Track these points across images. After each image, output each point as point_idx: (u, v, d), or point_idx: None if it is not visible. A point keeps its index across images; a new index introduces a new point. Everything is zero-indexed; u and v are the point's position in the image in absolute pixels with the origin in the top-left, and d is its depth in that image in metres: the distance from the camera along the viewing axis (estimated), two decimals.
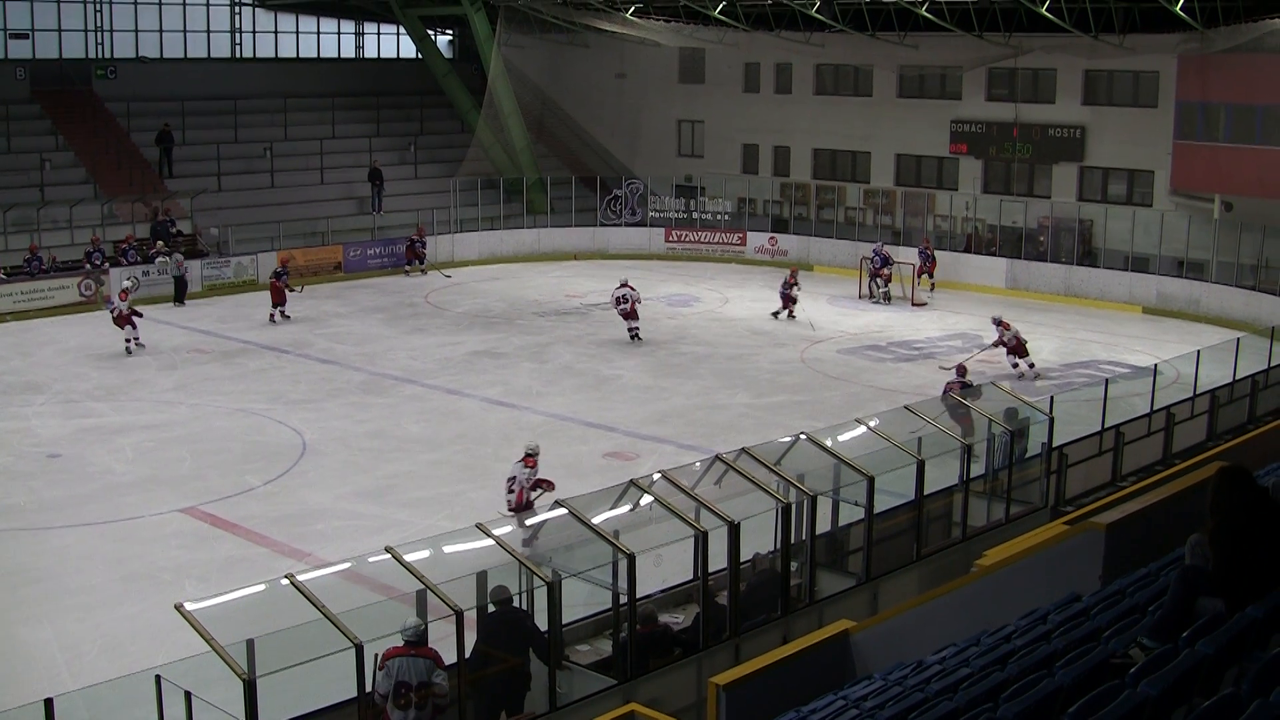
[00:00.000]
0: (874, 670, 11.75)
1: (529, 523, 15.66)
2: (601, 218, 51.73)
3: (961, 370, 26.81)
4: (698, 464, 17.36)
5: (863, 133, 50.28)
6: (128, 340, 34.25)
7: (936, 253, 44.13)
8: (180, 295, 41.58)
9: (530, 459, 20.79)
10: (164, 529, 21.93)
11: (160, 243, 43.37)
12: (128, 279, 37.05)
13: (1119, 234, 43.01)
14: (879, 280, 41.88)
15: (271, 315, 38.14)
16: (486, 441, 26.62)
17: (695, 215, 51.55)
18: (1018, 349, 32.36)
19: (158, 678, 12.09)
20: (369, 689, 12.52)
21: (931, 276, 42.74)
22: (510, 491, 20.54)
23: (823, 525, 17.01)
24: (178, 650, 12.47)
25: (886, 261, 41.87)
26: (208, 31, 56.34)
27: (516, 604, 14.11)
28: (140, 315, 34.67)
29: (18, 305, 39.08)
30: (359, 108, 55.23)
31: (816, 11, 43.79)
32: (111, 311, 34.58)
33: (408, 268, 46.36)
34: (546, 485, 20.60)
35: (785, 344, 35.30)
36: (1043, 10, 39.24)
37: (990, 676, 8.56)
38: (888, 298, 41.44)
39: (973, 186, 47.46)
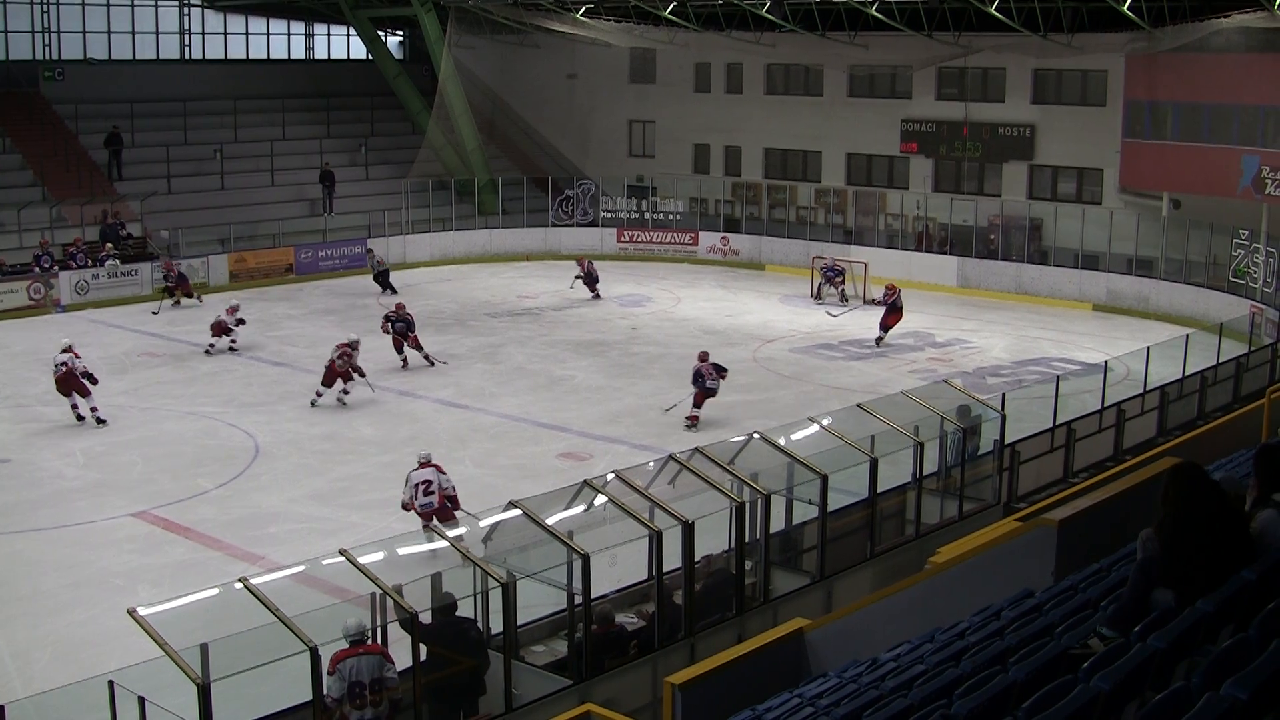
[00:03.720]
0: (829, 668, 11.78)
1: (483, 524, 15.62)
2: (553, 218, 51.76)
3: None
4: (651, 464, 17.40)
5: (814, 132, 50.43)
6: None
7: (887, 251, 44.44)
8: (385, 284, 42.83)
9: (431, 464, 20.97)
10: (115, 534, 21.81)
11: (109, 245, 43.11)
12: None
13: (1069, 232, 43.28)
14: (833, 289, 41.84)
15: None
16: (439, 443, 26.51)
17: (647, 215, 51.61)
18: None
19: (111, 683, 12.02)
20: (325, 691, 12.48)
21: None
22: (428, 494, 20.51)
23: (776, 524, 17.07)
24: (131, 655, 12.41)
25: (839, 273, 41.92)
26: (156, 33, 56.02)
27: (473, 604, 14.10)
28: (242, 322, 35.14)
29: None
30: (309, 109, 55.06)
31: (767, 11, 43.88)
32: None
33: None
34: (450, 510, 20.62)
35: (738, 343, 35.39)
36: (992, 10, 39.48)
37: (944, 673, 8.60)
38: (844, 298, 41.47)
39: (923, 185, 47.68)
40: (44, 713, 12.92)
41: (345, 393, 29.46)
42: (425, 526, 18.33)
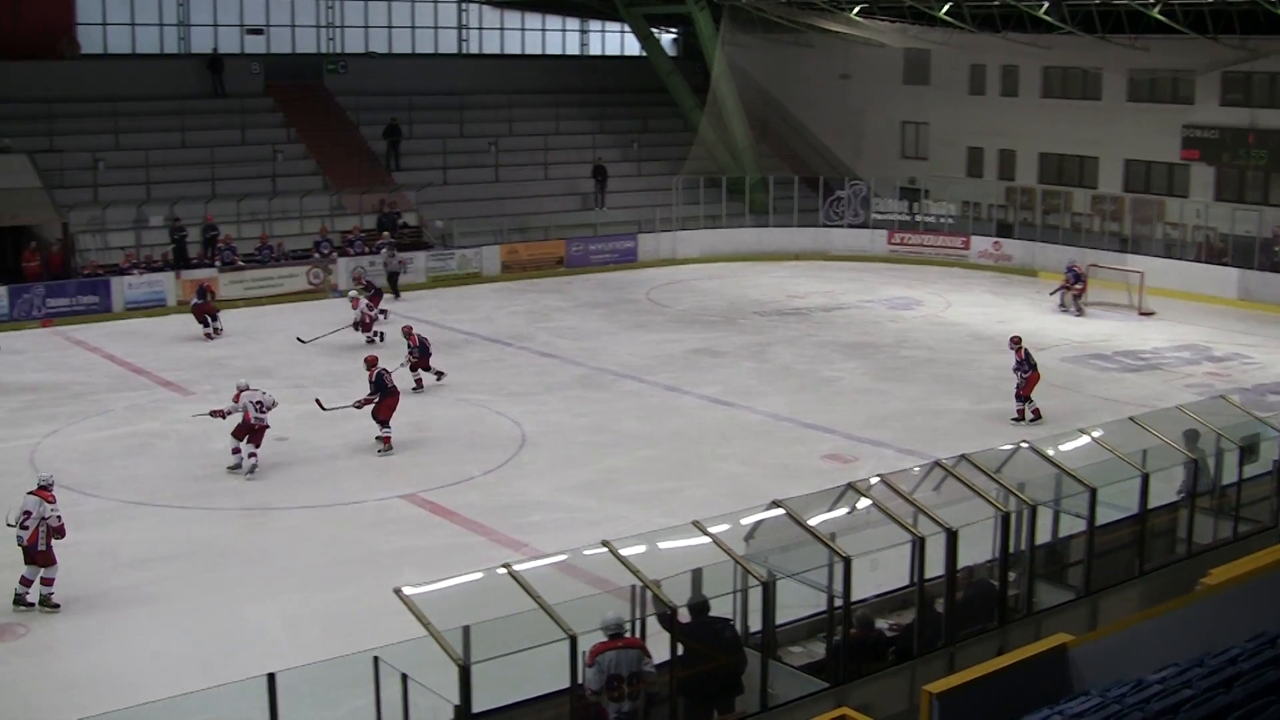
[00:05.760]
0: (1091, 687, 11.50)
1: (744, 522, 15.57)
2: (824, 219, 51.47)
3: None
4: (916, 469, 17.18)
5: (1091, 137, 49.23)
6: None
7: (1164, 261, 43.20)
8: (394, 287, 41.84)
9: (46, 491, 19.25)
10: (385, 514, 22.38)
11: (386, 233, 44.27)
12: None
13: None
14: (1071, 294, 40.65)
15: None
16: (704, 439, 26.66)
17: (918, 218, 50.98)
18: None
19: (375, 659, 12.31)
20: (581, 681, 12.61)
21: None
22: (25, 528, 18.76)
23: (1042, 536, 16.71)
24: (395, 633, 12.67)
25: (1079, 278, 40.73)
26: (435, 28, 57.52)
27: (732, 602, 14.11)
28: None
29: (249, 292, 40.20)
30: (583, 104, 55.75)
31: (1044, 13, 43.03)
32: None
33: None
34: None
35: (1007, 351, 34.67)
36: None
37: (1214, 699, 8.34)
38: (1079, 310, 40.30)
39: (1204, 194, 46.20)
40: (311, 683, 13.24)
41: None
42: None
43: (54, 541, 18.78)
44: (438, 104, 52.46)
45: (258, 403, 24.48)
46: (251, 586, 19.40)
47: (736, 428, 27.64)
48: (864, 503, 15.19)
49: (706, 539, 14.03)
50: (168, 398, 29.79)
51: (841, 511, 15.21)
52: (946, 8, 45.50)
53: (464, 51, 58.55)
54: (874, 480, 15.84)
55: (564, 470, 24.79)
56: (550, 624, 12.25)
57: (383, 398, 25.83)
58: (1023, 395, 28.35)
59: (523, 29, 60.67)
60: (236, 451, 24.58)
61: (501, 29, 59.95)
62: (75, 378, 31.70)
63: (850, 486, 15.49)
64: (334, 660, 13.42)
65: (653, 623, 13.51)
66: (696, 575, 13.94)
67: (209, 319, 36.17)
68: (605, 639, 12.77)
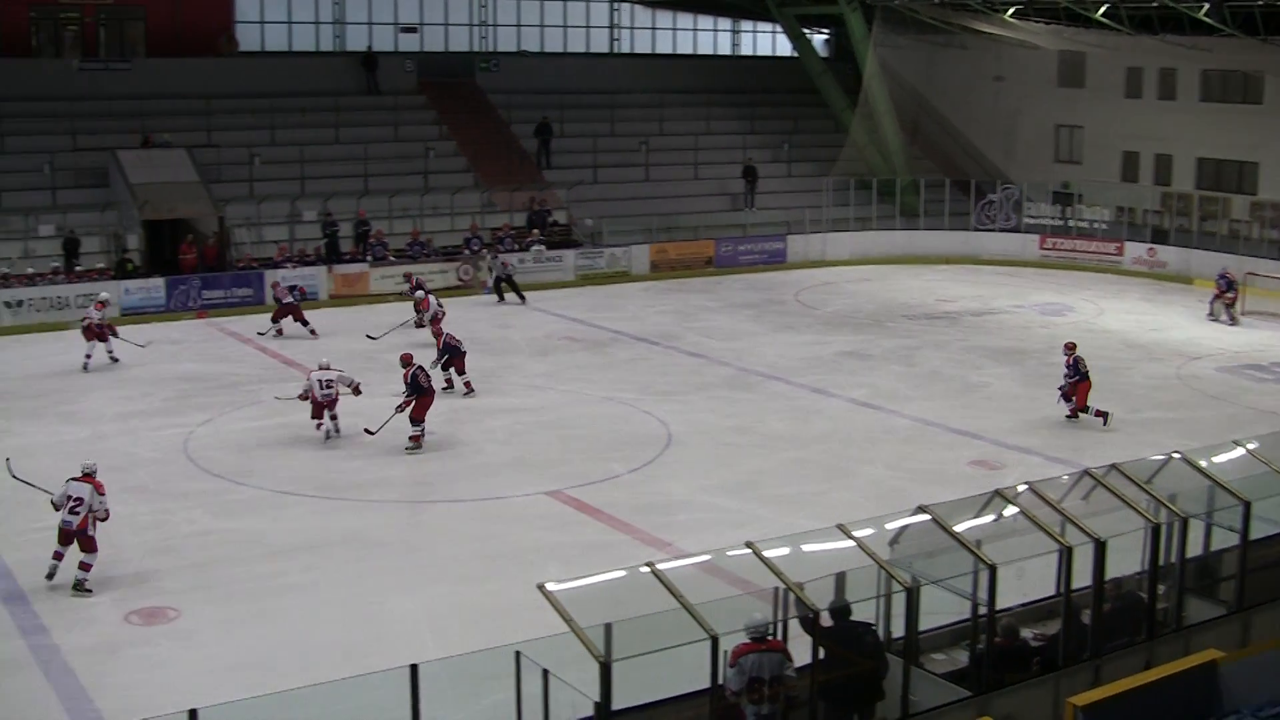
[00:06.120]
0: (1242, 705, 11.28)
1: (889, 526, 15.45)
2: (975, 222, 50.93)
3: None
4: (1065, 477, 16.96)
5: (1251, 142, 48.15)
6: (88, 356, 32.31)
7: None
8: (506, 291, 41.16)
9: (95, 480, 19.52)
10: (530, 510, 22.50)
11: (535, 231, 44.58)
12: (105, 294, 35.06)
13: None
14: (1222, 302, 39.69)
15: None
16: (851, 443, 26.50)
17: (1071, 223, 50.26)
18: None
19: (517, 654, 12.37)
20: (721, 682, 12.58)
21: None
22: (74, 513, 19.06)
23: (1193, 549, 16.39)
24: (537, 629, 12.73)
25: (1231, 285, 39.76)
26: (587, 27, 57.86)
27: (875, 607, 14.01)
28: (115, 334, 33.05)
29: (400, 287, 40.63)
30: (734, 104, 55.66)
31: (1204, 14, 42.20)
32: (83, 322, 33.00)
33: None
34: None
35: (1160, 359, 34.18)
36: None
37: None
38: (1234, 320, 39.36)
39: None
40: (453, 675, 13.34)
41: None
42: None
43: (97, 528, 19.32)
44: (589, 103, 52.71)
45: (322, 380, 26.15)
46: (396, 578, 19.61)
47: (884, 431, 27.44)
48: (1011, 510, 14.98)
49: (850, 543, 13.93)
50: None
51: (988, 519, 15.02)
52: (1103, 9, 44.78)
53: (615, 51, 58.81)
54: (1021, 488, 15.62)
55: (709, 470, 24.76)
56: (692, 624, 12.23)
57: (418, 397, 25.85)
58: (1067, 395, 28.19)
59: (674, 29, 60.83)
60: (320, 426, 26.26)
61: (653, 29, 60.13)
62: (228, 369, 32.30)
63: (997, 493, 15.29)
64: (476, 653, 13.52)
65: (794, 625, 13.45)
66: (840, 579, 13.85)
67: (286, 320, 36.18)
68: (748, 640, 12.73)
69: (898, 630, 14.12)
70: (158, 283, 38.77)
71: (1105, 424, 27.66)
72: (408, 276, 38.83)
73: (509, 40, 56.38)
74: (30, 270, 38.49)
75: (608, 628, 12.05)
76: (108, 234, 41.20)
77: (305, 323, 35.93)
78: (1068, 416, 28.16)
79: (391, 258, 42.15)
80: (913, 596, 13.70)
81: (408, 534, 21.58)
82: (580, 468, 24.68)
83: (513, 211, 46.14)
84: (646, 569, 12.97)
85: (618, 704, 12.09)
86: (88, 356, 32.10)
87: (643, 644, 12.03)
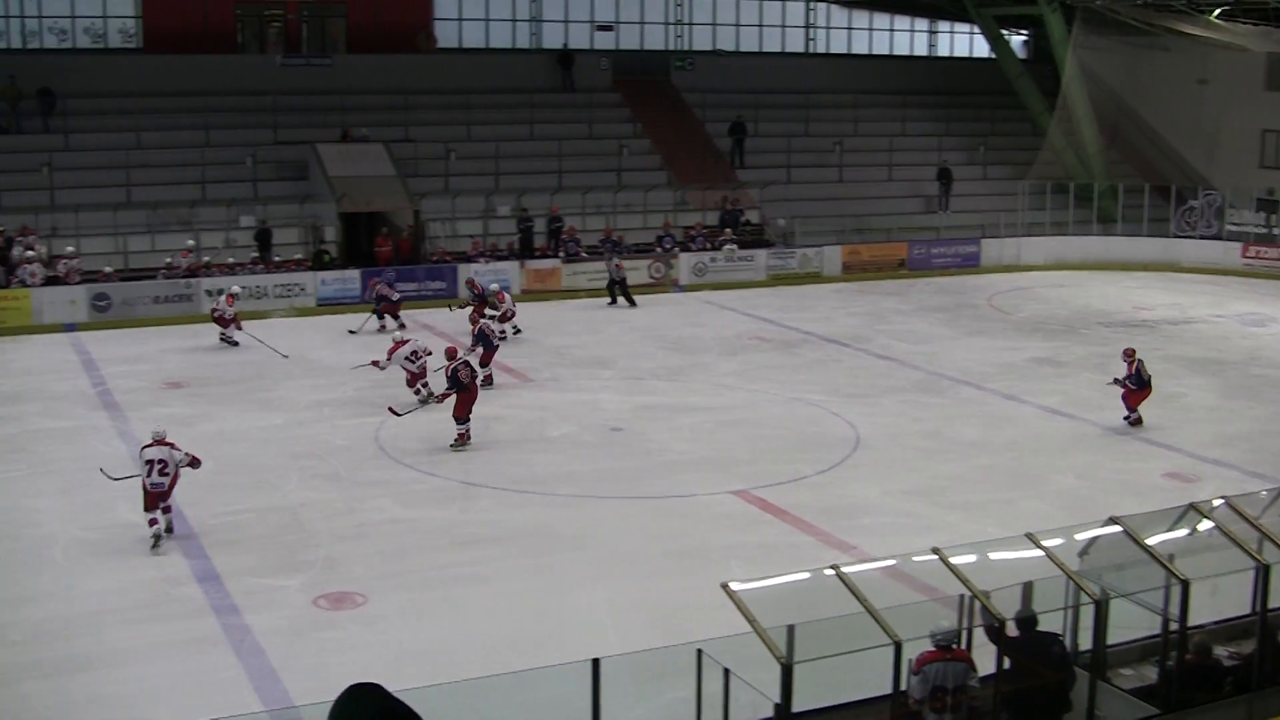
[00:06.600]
0: None
1: (1078, 537, 15.13)
2: (1175, 229, 49.76)
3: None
4: (1264, 493, 16.44)
5: None
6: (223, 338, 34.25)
7: None
8: (622, 296, 40.46)
9: (166, 441, 20.79)
10: (715, 509, 22.42)
11: (728, 230, 44.55)
12: (237, 287, 35.98)
13: None
14: None
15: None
16: (1041, 450, 26.00)
17: (1276, 231, 48.87)
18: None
19: (699, 652, 12.33)
20: (903, 688, 12.42)
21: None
22: (163, 474, 20.28)
23: None
24: (719, 627, 12.67)
25: None
26: (783, 26, 57.72)
27: (1062, 618, 13.72)
28: (240, 327, 34.10)
29: (592, 283, 40.85)
30: (929, 105, 55.07)
31: None
32: (214, 313, 34.55)
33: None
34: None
35: None
36: None
37: None
38: None
39: None
40: (634, 670, 13.35)
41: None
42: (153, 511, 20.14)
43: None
44: (783, 102, 52.50)
45: (409, 354, 28.05)
46: (580, 572, 19.66)
47: (1075, 440, 26.90)
48: (1206, 524, 14.57)
49: (1039, 552, 13.64)
50: (507, 383, 30.45)
51: (1181, 532, 14.62)
52: None
53: (811, 51, 58.55)
54: (1217, 502, 15.18)
55: (896, 474, 24.47)
56: (875, 628, 12.08)
57: (458, 394, 25.63)
58: (1130, 405, 27.52)
59: (870, 29, 60.42)
60: (417, 395, 27.88)
61: (849, 29, 59.78)
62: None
63: (1192, 507, 14.87)
64: (657, 650, 13.50)
65: (978, 634, 13.23)
66: (1026, 589, 13.58)
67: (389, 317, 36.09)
68: (932, 648, 12.55)
69: (1085, 643, 13.82)
70: (353, 274, 39.46)
71: (1135, 425, 27.45)
72: (470, 283, 36.98)
73: (704, 39, 56.45)
74: (230, 260, 39.47)
75: (790, 629, 11.94)
76: (305, 226, 42.05)
77: (400, 320, 35.60)
78: (1130, 421, 27.56)
79: (584, 254, 42.43)
80: (1101, 609, 13.40)
81: (592, 529, 21.62)
82: (767, 468, 24.53)
83: (705, 210, 46.17)
84: (831, 571, 12.84)
85: (798, 706, 11.98)
86: (223, 339, 34.07)
87: (825, 647, 11.92)
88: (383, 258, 40.84)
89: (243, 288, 36.48)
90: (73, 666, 16.40)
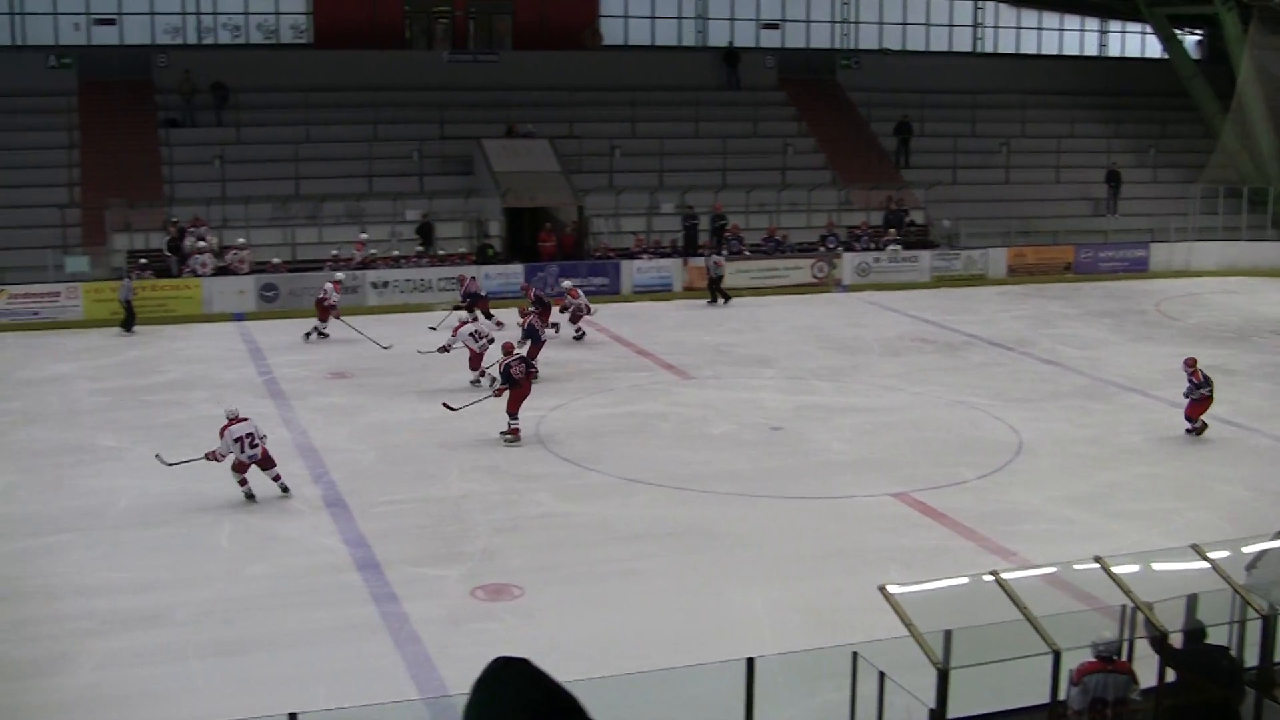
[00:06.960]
0: None
1: (1247, 550, 14.84)
2: None
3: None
4: None
5: None
6: (315, 330, 34.56)
7: None
8: (719, 294, 40.30)
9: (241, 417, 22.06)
10: (874, 511, 22.29)
11: (892, 230, 44.30)
12: (341, 274, 36.61)
13: None
14: None
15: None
16: (1209, 460, 25.49)
17: None
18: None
19: (855, 654, 12.30)
20: (1062, 698, 12.28)
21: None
22: (254, 446, 21.72)
23: None
24: (875, 630, 12.63)
25: None
26: (950, 25, 57.27)
27: (1228, 633, 13.46)
28: (339, 318, 34.18)
29: (754, 282, 40.87)
30: (1099, 107, 54.18)
31: None
32: (322, 299, 34.55)
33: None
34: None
35: None
36: None
37: None
38: None
39: None
40: (789, 671, 13.35)
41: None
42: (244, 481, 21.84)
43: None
44: (950, 102, 52.04)
45: (472, 332, 29.57)
46: (736, 570, 19.65)
47: (1245, 451, 26.33)
48: None
49: (1204, 564, 13.41)
50: (669, 380, 30.59)
51: None
52: None
53: (978, 50, 57.96)
54: None
55: (1059, 481, 24.14)
56: (1034, 636, 11.97)
57: (510, 389, 25.58)
58: (1190, 415, 26.77)
59: (1039, 28, 59.69)
60: (476, 384, 29.14)
61: (1018, 28, 59.16)
62: (583, 355, 32.94)
63: None
64: (813, 651, 13.49)
65: (1140, 646, 13.03)
66: (1191, 601, 13.36)
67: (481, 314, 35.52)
68: (1093, 659, 12.39)
69: (1250, 659, 13.54)
70: (516, 269, 39.85)
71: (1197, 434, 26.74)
72: (526, 289, 36.30)
73: (870, 38, 56.15)
74: (396, 253, 40.06)
75: (947, 634, 11.88)
76: (470, 220, 42.52)
77: (490, 315, 35.36)
78: (1191, 432, 26.83)
79: (747, 252, 42.44)
80: (1269, 625, 13.15)
81: (750, 527, 21.60)
82: (927, 471, 24.35)
83: (870, 210, 45.95)
84: (990, 577, 12.75)
85: (952, 712, 11.92)
86: (315, 330, 34.49)
87: (982, 653, 11.84)
88: (546, 253, 41.20)
89: (408, 280, 36.94)
90: (234, 649, 16.81)
